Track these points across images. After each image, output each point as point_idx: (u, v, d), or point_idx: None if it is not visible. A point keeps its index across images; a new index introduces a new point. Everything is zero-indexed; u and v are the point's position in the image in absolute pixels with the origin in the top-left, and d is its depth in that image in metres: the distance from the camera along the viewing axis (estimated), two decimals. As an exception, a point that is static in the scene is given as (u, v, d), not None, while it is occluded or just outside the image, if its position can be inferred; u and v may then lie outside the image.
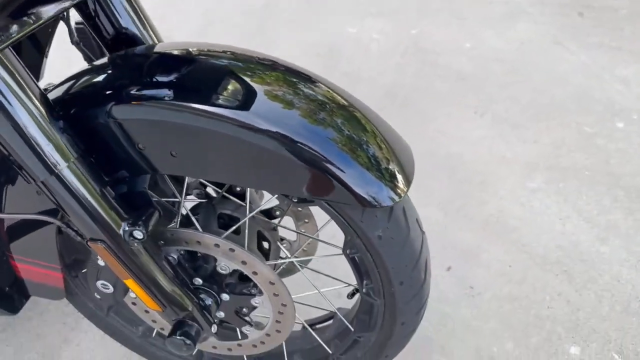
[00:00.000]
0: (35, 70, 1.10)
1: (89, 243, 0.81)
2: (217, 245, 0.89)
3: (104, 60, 0.88)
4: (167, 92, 0.76)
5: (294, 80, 0.82)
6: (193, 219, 0.96)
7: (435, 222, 1.64)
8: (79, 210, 0.78)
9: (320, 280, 1.21)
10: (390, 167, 0.80)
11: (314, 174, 0.75)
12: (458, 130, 1.91)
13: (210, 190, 1.06)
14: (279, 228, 1.09)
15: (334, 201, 0.81)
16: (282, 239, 1.13)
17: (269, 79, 0.82)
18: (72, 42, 0.95)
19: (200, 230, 0.93)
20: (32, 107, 0.71)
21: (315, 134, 0.76)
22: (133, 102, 0.77)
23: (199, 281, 0.96)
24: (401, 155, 0.83)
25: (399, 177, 0.80)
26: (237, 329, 1.04)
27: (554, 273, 1.49)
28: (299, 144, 0.74)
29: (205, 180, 1.02)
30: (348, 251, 0.89)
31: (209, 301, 0.97)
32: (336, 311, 1.05)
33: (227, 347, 1.09)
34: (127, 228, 0.80)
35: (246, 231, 0.96)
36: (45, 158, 0.73)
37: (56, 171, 0.74)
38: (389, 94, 2.04)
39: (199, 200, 1.06)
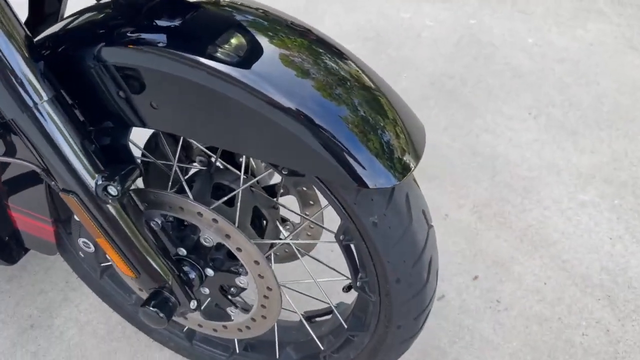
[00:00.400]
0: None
1: (61, 194, 0.76)
2: (200, 214, 0.81)
3: (100, 3, 0.82)
4: (162, 39, 0.69)
5: (320, 50, 0.73)
6: (185, 185, 0.89)
7: (467, 225, 1.50)
8: (52, 156, 0.73)
9: (325, 270, 1.11)
10: (394, 146, 0.69)
11: (303, 143, 0.66)
12: (507, 130, 1.75)
13: (213, 159, 0.99)
14: (281, 208, 1.00)
15: (324, 177, 0.71)
16: (284, 220, 1.04)
17: (290, 44, 0.73)
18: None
19: (191, 197, 0.85)
20: (10, 44, 0.66)
21: (319, 105, 0.67)
22: (121, 45, 0.70)
23: (183, 252, 0.89)
24: (411, 135, 0.72)
25: (404, 158, 0.70)
26: (223, 309, 0.96)
27: (595, 297, 1.32)
28: (291, 109, 0.65)
29: (192, 141, 0.95)
30: (342, 237, 0.79)
31: (192, 275, 0.90)
32: (331, 304, 0.95)
33: (212, 327, 1.01)
34: (100, 182, 0.73)
35: (237, 204, 0.88)
36: (17, 95, 0.67)
37: (27, 111, 0.68)
38: (435, 84, 1.90)
39: (200, 167, 0.99)
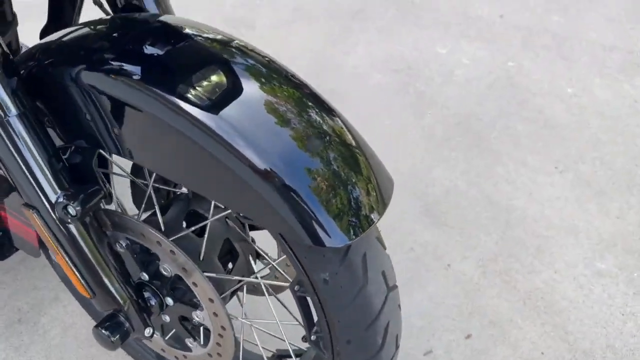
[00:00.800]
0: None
1: (22, 207, 0.76)
2: (159, 243, 0.79)
3: (95, 20, 0.82)
4: (140, 70, 0.68)
5: (301, 103, 0.71)
6: (157, 209, 0.87)
7: (469, 279, 1.42)
8: (16, 170, 0.73)
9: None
10: (354, 205, 0.66)
11: (262, 198, 0.64)
12: (529, 182, 1.66)
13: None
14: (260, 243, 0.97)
15: (280, 232, 0.68)
16: (260, 255, 1.01)
17: (275, 92, 0.70)
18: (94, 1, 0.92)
19: (161, 221, 0.84)
20: None
21: (286, 163, 0.65)
22: (98, 70, 0.70)
23: (145, 277, 0.87)
24: (375, 194, 0.69)
25: (362, 217, 0.66)
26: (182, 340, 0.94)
27: (595, 378, 1.22)
28: (257, 166, 0.63)
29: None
30: (296, 287, 0.76)
31: (152, 301, 0.88)
32: (289, 348, 0.91)
33: (174, 354, 0.99)
34: (61, 200, 0.73)
35: (205, 235, 0.86)
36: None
37: (-5, 124, 0.69)
38: (461, 125, 1.83)
39: (178, 191, 0.98)
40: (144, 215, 0.90)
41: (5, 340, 1.33)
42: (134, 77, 0.66)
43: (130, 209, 1.03)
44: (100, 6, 0.98)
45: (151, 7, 0.87)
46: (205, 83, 0.68)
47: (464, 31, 2.16)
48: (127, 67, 0.68)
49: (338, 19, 2.28)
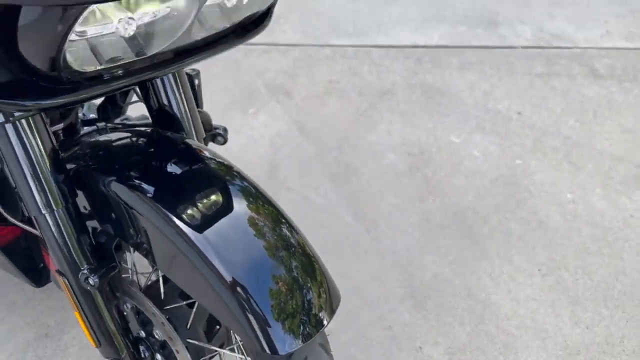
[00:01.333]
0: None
1: (55, 272, 0.99)
2: (153, 314, 1.01)
3: (139, 130, 1.07)
4: (154, 187, 0.90)
5: (273, 223, 0.90)
6: (161, 281, 1.10)
7: (435, 364, 1.58)
8: (55, 247, 0.97)
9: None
10: (301, 317, 0.85)
11: (222, 302, 0.83)
12: (510, 280, 1.80)
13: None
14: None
15: (234, 331, 0.88)
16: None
17: (252, 213, 0.89)
18: (119, 101, 1.17)
19: (163, 293, 1.06)
20: (38, 156, 0.90)
21: (247, 274, 0.84)
22: (123, 184, 0.92)
23: (143, 334, 1.09)
24: (321, 305, 0.87)
25: (307, 327, 0.84)
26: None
27: None
28: (223, 277, 0.83)
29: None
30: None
31: (146, 354, 1.10)
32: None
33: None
34: (84, 271, 0.96)
35: (194, 308, 1.07)
36: (37, 199, 0.92)
37: (43, 212, 0.93)
38: (458, 215, 1.99)
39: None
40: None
41: (33, 350, 1.59)
42: (148, 194, 0.89)
43: (146, 265, 1.26)
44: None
45: (184, 125, 1.10)
46: (199, 204, 0.89)
47: (480, 123, 2.33)
48: (144, 185, 0.90)
49: (367, 96, 2.50)
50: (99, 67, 0.69)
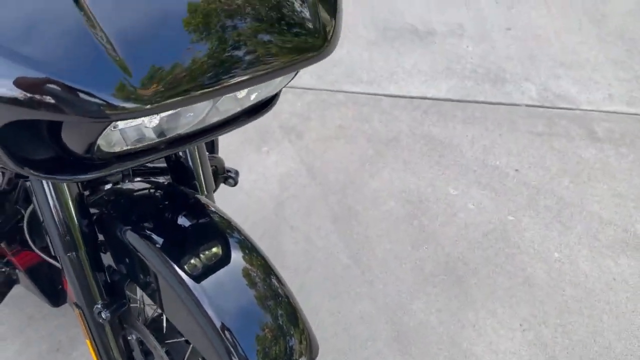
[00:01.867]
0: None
1: (72, 304, 1.14)
2: (154, 348, 1.15)
3: (158, 182, 1.22)
4: (164, 239, 1.05)
5: (265, 275, 1.05)
6: (164, 316, 1.24)
7: (413, 407, 1.68)
8: (74, 283, 1.12)
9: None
10: (280, 358, 0.98)
11: (214, 349, 0.97)
12: (492, 332, 1.90)
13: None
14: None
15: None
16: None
17: (247, 267, 1.04)
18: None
19: (165, 327, 1.20)
20: (63, 201, 1.05)
21: (237, 322, 0.97)
22: (137, 233, 1.07)
23: (144, 362, 1.23)
24: (298, 351, 1.01)
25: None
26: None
27: None
28: (214, 324, 0.96)
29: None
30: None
31: (147, 380, 1.24)
32: None
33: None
34: (98, 306, 1.11)
35: (190, 346, 1.21)
36: (62, 243, 1.07)
37: (68, 254, 1.08)
38: (448, 265, 2.11)
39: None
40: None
41: (43, 363, 1.73)
42: (157, 245, 1.03)
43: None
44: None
45: (199, 184, 1.25)
46: (201, 255, 1.03)
47: (478, 177, 2.45)
48: (154, 236, 1.05)
49: (374, 142, 2.65)
50: (125, 148, 0.84)
